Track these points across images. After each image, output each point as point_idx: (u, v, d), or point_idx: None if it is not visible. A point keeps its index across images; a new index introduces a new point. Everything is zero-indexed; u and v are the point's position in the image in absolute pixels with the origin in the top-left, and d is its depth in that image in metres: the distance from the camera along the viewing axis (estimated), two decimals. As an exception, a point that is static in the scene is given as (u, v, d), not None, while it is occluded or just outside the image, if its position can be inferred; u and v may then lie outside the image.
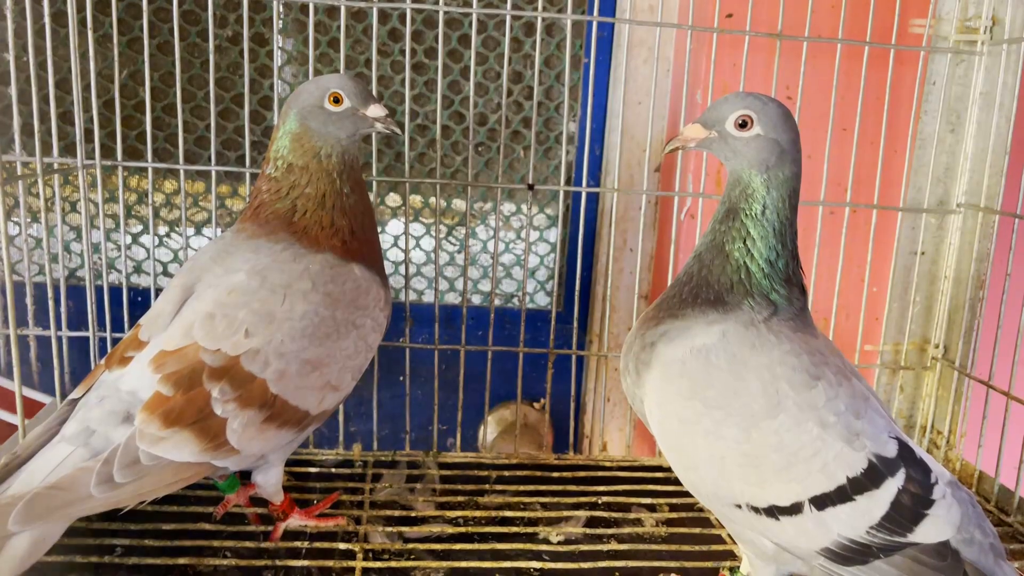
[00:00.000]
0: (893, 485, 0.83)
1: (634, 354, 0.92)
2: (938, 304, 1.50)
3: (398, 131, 1.07)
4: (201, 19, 1.55)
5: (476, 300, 1.77)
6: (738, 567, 1.09)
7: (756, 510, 0.85)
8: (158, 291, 1.55)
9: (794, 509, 0.83)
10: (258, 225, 1.05)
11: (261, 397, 0.94)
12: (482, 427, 1.77)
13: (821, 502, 0.83)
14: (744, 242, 0.90)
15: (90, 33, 1.18)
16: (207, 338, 0.94)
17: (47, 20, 1.08)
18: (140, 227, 1.62)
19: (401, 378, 1.45)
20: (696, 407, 0.85)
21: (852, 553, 0.83)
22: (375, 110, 1.04)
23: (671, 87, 1.46)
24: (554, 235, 1.77)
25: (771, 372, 0.85)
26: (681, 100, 1.59)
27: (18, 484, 0.86)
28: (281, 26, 1.60)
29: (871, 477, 0.83)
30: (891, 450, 0.85)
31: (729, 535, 1.19)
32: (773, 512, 0.84)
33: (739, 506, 0.86)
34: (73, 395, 0.98)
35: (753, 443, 0.84)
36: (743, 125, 0.90)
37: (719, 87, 1.40)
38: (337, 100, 1.03)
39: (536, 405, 1.78)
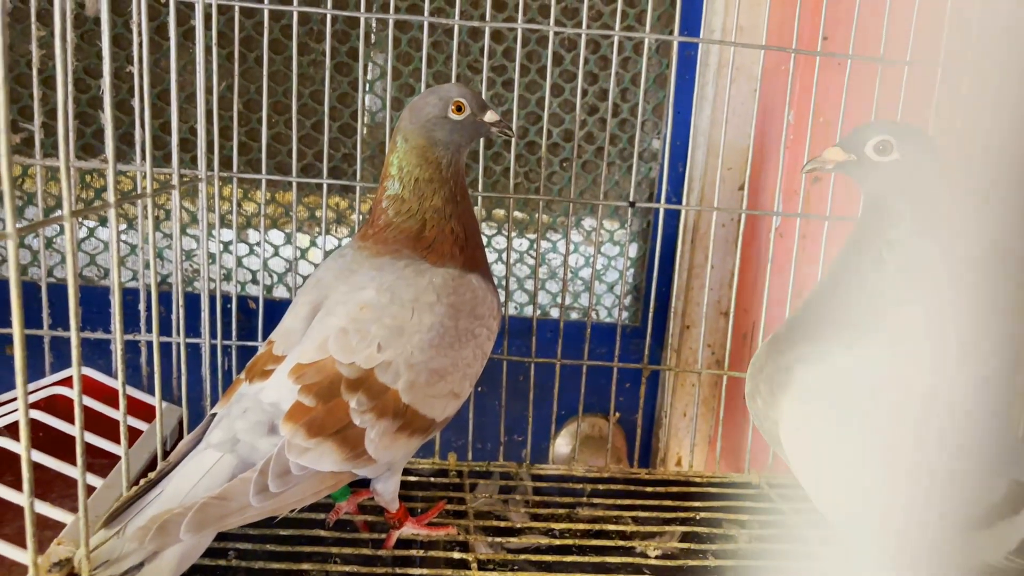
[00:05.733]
0: None
1: (767, 376, 0.93)
2: None
3: (512, 133, 1.13)
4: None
5: (573, 315, 1.79)
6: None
7: (895, 532, 0.86)
8: (271, 301, 1.59)
9: (935, 533, 0.85)
10: (382, 244, 1.07)
11: (394, 407, 0.97)
12: (554, 440, 1.79)
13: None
14: None
15: (215, 52, 1.22)
16: (341, 352, 0.97)
17: (173, 41, 1.11)
18: (255, 238, 1.65)
19: (481, 388, 1.47)
20: (838, 431, 0.87)
21: (989, 577, 0.84)
22: (490, 115, 1.10)
23: (758, 107, 1.48)
24: (634, 251, 1.79)
25: (914, 396, 0.86)
26: (767, 120, 1.62)
27: (170, 489, 0.89)
28: (374, 40, 1.63)
29: (1011, 502, 0.84)
30: (1028, 474, 0.86)
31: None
32: (913, 535, 0.85)
33: (877, 527, 0.87)
34: (215, 409, 1.00)
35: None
36: (882, 150, 0.92)
37: (817, 110, 1.42)
38: (460, 108, 1.07)
39: (610, 419, 1.80)
